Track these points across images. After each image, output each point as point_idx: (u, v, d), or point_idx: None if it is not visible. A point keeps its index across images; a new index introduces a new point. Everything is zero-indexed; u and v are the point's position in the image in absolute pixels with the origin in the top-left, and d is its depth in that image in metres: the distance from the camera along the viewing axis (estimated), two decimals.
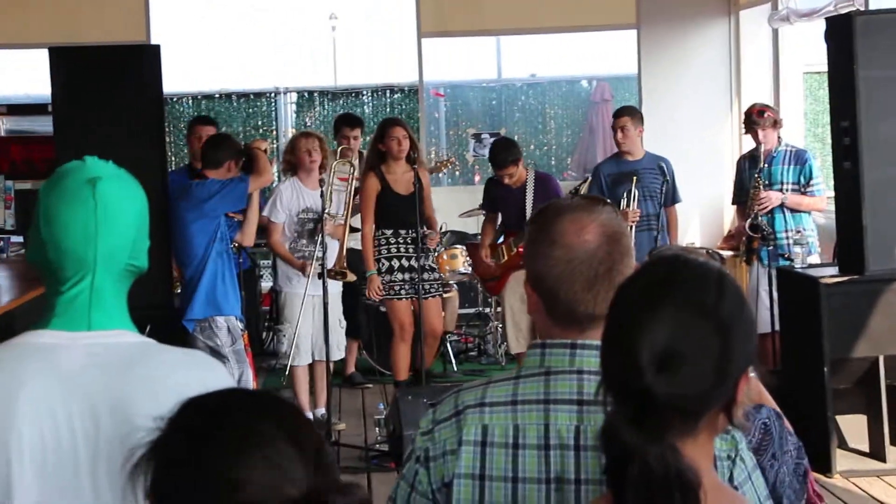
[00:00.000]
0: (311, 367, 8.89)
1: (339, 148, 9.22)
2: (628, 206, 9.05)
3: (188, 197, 7.53)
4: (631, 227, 8.97)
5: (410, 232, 8.90)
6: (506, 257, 9.12)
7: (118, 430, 2.24)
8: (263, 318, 11.23)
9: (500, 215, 9.36)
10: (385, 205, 8.91)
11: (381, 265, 8.93)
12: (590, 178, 9.34)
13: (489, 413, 2.40)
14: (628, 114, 9.40)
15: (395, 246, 8.95)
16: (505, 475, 2.36)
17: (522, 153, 9.26)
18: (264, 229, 8.72)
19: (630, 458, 1.78)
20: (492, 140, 14.87)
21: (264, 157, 7.97)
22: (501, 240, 9.33)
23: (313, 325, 8.71)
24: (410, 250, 8.92)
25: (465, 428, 2.40)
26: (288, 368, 8.84)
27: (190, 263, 7.58)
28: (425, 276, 8.92)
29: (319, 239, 8.49)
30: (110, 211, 2.35)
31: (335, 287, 8.74)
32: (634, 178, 9.13)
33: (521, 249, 8.95)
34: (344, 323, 9.00)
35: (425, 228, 8.89)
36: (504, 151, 9.10)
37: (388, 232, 8.95)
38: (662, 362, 1.83)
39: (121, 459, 2.23)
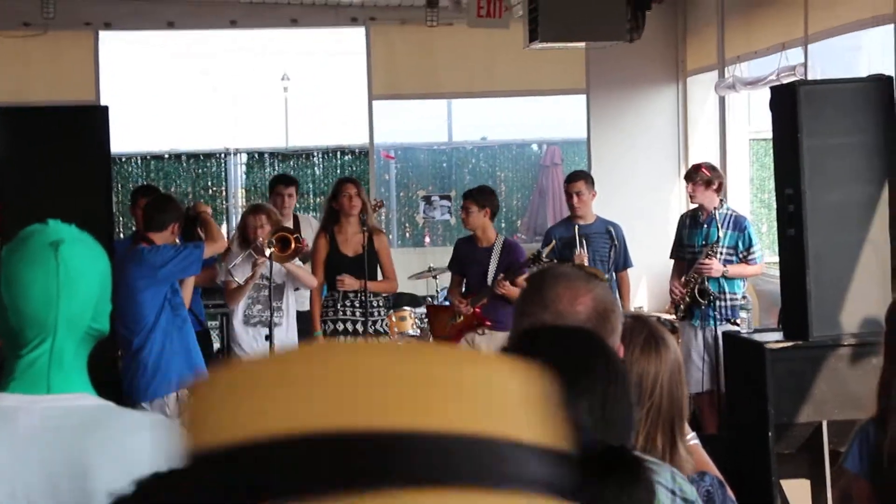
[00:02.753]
0: None
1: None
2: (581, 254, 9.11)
3: (140, 263, 7.42)
4: None
5: (358, 295, 8.92)
6: (461, 318, 9.10)
7: (77, 496, 2.22)
8: None
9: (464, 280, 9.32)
10: (333, 267, 8.93)
11: (326, 327, 8.94)
12: (542, 242, 9.37)
13: None
14: (582, 178, 9.47)
15: (343, 309, 8.95)
16: None
17: (495, 209, 9.22)
18: (222, 291, 8.66)
19: None
20: (441, 202, 14.99)
21: (215, 223, 7.96)
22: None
23: None
24: (357, 313, 8.92)
25: None
26: None
27: (139, 331, 7.46)
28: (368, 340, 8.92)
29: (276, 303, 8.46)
30: (73, 274, 2.33)
31: None
32: (577, 229, 9.19)
33: (477, 310, 8.95)
34: None
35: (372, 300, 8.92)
36: (477, 190, 9.25)
37: (337, 295, 8.96)
38: None
39: None
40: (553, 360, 1.93)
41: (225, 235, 15.20)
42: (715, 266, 8.90)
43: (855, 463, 3.96)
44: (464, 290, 9.23)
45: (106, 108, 7.91)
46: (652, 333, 3.00)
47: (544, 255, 8.82)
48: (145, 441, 2.28)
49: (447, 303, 9.87)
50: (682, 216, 9.57)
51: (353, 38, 13.80)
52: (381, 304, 9.08)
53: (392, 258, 9.21)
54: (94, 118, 7.86)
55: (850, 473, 3.99)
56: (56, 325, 2.33)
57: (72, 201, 7.42)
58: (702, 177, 9.00)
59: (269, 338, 8.31)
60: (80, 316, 2.36)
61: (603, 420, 1.89)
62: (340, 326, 8.96)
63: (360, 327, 8.93)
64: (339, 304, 8.98)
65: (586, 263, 9.01)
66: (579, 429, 1.85)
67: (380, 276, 9.09)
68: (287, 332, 8.65)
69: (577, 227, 9.29)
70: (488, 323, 8.91)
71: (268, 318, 8.48)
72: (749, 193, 11.79)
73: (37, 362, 2.33)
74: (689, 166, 10.67)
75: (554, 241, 9.14)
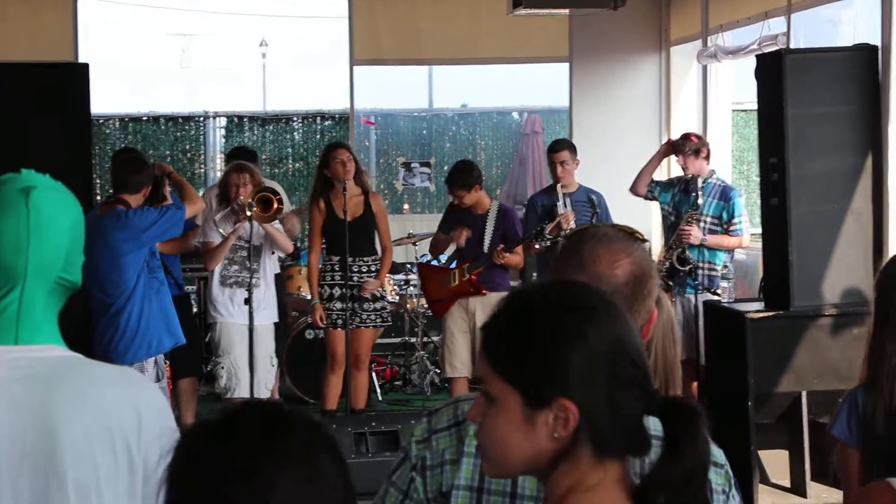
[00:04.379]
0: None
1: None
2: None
3: (124, 226, 7.31)
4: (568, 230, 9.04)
5: (356, 260, 8.89)
6: (457, 282, 9.07)
7: (42, 447, 2.18)
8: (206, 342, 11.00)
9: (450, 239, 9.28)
10: (331, 232, 8.88)
11: (322, 291, 8.92)
12: (525, 209, 9.32)
13: None
14: (567, 147, 9.43)
15: (340, 274, 8.91)
16: (503, 490, 2.34)
17: (481, 179, 9.16)
18: (197, 254, 8.59)
19: None
20: (421, 169, 14.94)
21: (188, 184, 7.91)
22: (455, 264, 9.28)
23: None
24: (355, 279, 8.90)
25: (467, 439, 2.37)
26: (229, 399, 8.65)
27: (119, 295, 7.37)
28: (366, 305, 8.94)
29: (251, 265, 8.39)
30: (43, 221, 2.30)
31: (267, 320, 8.63)
32: (561, 198, 9.16)
33: (473, 277, 8.91)
34: (275, 361, 8.82)
35: (367, 260, 8.90)
36: (460, 174, 9.04)
37: (335, 259, 8.92)
38: None
39: (43, 478, 2.18)
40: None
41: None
42: (694, 233, 8.87)
43: (843, 430, 3.95)
44: (458, 253, 9.18)
45: (86, 66, 7.83)
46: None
47: (547, 232, 8.78)
48: (116, 394, 2.25)
49: (432, 261, 9.84)
50: (677, 179, 9.43)
51: (333, 3, 13.72)
52: (371, 269, 9.04)
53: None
54: (74, 76, 7.77)
55: (838, 440, 3.98)
56: (26, 272, 2.29)
57: (51, 159, 7.33)
58: (691, 146, 8.97)
59: (248, 301, 8.24)
60: (51, 264, 2.31)
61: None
62: (337, 292, 8.94)
63: (356, 292, 8.91)
64: (336, 270, 8.94)
65: (572, 222, 8.99)
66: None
67: (376, 241, 9.11)
68: (265, 293, 8.59)
69: (561, 193, 9.26)
70: (484, 291, 8.88)
71: (244, 279, 8.42)
72: (730, 165, 11.77)
73: (5, 311, 2.29)
74: (670, 136, 10.67)
75: (559, 219, 9.05)
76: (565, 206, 9.17)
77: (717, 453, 2.46)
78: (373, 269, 8.98)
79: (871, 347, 3.90)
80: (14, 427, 2.19)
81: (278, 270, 9.20)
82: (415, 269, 11.29)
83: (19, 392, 2.21)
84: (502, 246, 8.79)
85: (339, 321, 8.90)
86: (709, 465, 1.82)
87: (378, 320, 9.10)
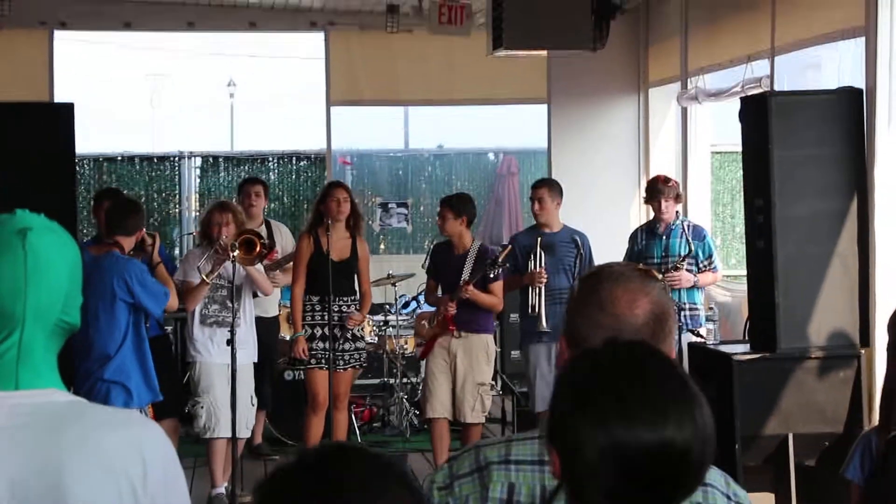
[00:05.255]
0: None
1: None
2: (536, 267, 9.08)
3: (123, 273, 7.29)
4: (539, 288, 9.04)
5: (337, 300, 8.87)
6: (435, 323, 9.07)
7: (46, 495, 2.14)
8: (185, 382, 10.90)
9: (439, 286, 9.28)
10: (315, 270, 8.86)
11: (305, 332, 8.90)
12: (507, 248, 9.32)
13: (515, 471, 2.36)
14: (546, 185, 9.47)
15: (321, 314, 8.89)
16: None
17: (472, 217, 9.16)
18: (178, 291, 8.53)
19: None
20: (398, 210, 14.93)
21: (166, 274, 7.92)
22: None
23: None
24: (335, 319, 8.87)
25: (490, 485, 2.35)
26: (210, 440, 8.58)
27: (110, 341, 7.32)
28: (346, 346, 8.92)
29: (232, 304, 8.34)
30: (41, 263, 2.24)
31: (247, 360, 8.58)
32: (539, 239, 9.18)
33: (448, 317, 8.89)
34: (255, 401, 8.75)
35: (349, 302, 8.88)
36: (457, 198, 9.19)
37: (315, 299, 8.92)
38: None
39: None
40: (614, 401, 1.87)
41: (177, 239, 15.17)
42: (685, 277, 8.92)
43: (856, 472, 3.94)
44: (440, 294, 9.21)
45: (71, 106, 7.80)
46: None
47: (500, 260, 8.81)
48: (120, 437, 2.22)
49: (425, 308, 9.83)
50: (634, 231, 9.56)
51: (303, 43, 13.78)
52: (354, 309, 9.01)
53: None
54: (59, 116, 7.74)
55: (852, 483, 3.98)
56: (24, 316, 2.24)
57: (35, 199, 7.28)
58: (673, 190, 9.02)
59: (230, 341, 8.18)
60: (50, 307, 2.27)
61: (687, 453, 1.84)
62: (318, 332, 8.92)
63: (337, 332, 8.90)
64: (316, 310, 8.92)
65: (544, 279, 9.02)
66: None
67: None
68: (246, 333, 8.53)
69: (539, 237, 9.26)
70: (452, 328, 8.88)
71: (225, 319, 8.39)
72: (710, 206, 11.81)
73: (4, 356, 2.24)
74: (650, 178, 10.69)
75: (511, 246, 9.12)
76: (538, 254, 9.15)
77: (742, 495, 2.45)
78: (344, 309, 8.97)
79: (884, 389, 3.91)
80: (17, 474, 2.15)
81: (271, 314, 9.16)
82: (393, 311, 11.32)
83: (22, 438, 2.17)
84: (464, 280, 8.81)
85: (322, 360, 8.87)
86: None
87: (358, 361, 9.08)
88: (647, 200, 9.32)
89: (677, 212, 9.19)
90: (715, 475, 2.41)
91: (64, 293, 2.29)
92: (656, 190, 9.11)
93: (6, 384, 2.24)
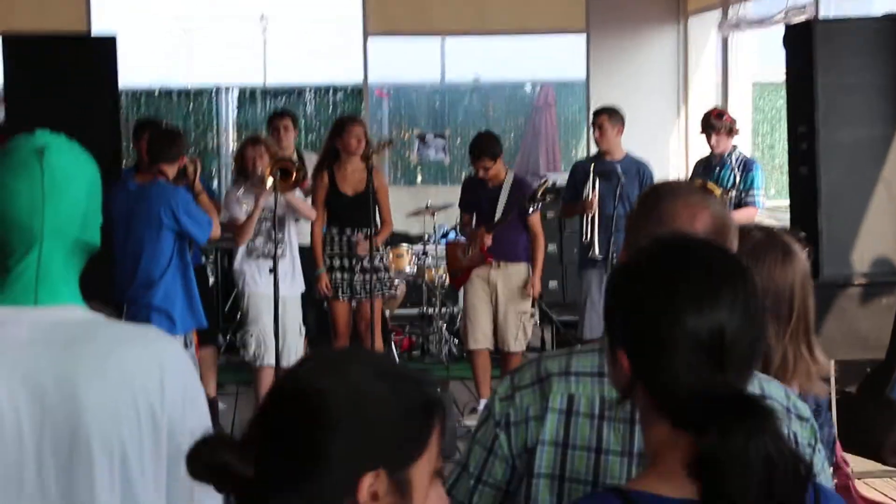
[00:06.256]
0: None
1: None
2: (589, 195, 9.07)
3: (170, 201, 7.33)
4: (590, 216, 9.03)
5: (356, 232, 8.91)
6: (470, 253, 9.07)
7: (65, 410, 2.17)
8: (224, 313, 10.98)
9: (474, 216, 9.25)
10: (332, 205, 8.91)
11: (325, 263, 8.95)
12: (544, 182, 9.29)
13: (575, 382, 2.39)
14: (606, 113, 9.33)
15: (339, 245, 8.96)
16: (589, 445, 2.36)
17: (502, 151, 9.15)
18: (226, 228, 8.60)
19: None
20: (436, 141, 14.91)
21: (209, 202, 7.95)
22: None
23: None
24: (353, 250, 8.95)
25: (550, 395, 2.39)
26: (258, 367, 8.65)
27: (154, 267, 7.38)
28: (364, 276, 8.96)
29: (276, 236, 8.39)
30: (58, 180, 2.25)
31: (295, 291, 8.65)
32: (593, 166, 9.14)
33: (483, 249, 8.90)
34: (304, 330, 8.83)
35: (361, 234, 8.92)
36: (484, 142, 9.00)
37: (334, 230, 8.97)
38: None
39: (67, 440, 2.17)
40: (692, 281, 1.90)
41: (215, 172, 15.23)
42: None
43: None
44: (474, 226, 9.17)
45: (114, 40, 7.79)
46: (784, 246, 2.99)
47: (538, 195, 8.78)
48: (138, 353, 2.24)
49: (461, 238, 9.80)
50: (696, 164, 9.45)
51: None
52: (365, 239, 9.03)
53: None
54: (101, 49, 7.75)
55: None
56: (42, 233, 2.26)
57: (78, 132, 7.32)
58: (725, 125, 8.91)
59: (273, 270, 8.25)
60: (68, 224, 2.28)
61: (731, 354, 1.86)
62: (337, 262, 8.98)
63: (355, 263, 8.96)
64: (335, 242, 8.99)
65: (594, 207, 8.99)
66: (702, 360, 1.83)
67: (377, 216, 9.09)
68: (292, 265, 8.60)
69: (595, 164, 9.21)
70: (489, 260, 8.89)
71: (270, 251, 8.43)
72: (750, 137, 11.76)
73: (24, 273, 2.26)
74: (690, 112, 10.64)
75: (546, 180, 9.08)
76: (593, 188, 9.12)
77: (802, 407, 2.46)
78: (362, 237, 9.00)
79: None
80: (36, 388, 2.17)
81: (305, 243, 9.18)
82: (433, 241, 11.32)
83: (40, 354, 2.19)
84: (483, 228, 8.81)
85: (339, 292, 8.95)
86: (781, 460, 1.78)
87: (380, 291, 9.10)
88: (702, 132, 9.23)
89: (734, 146, 9.07)
90: (773, 388, 2.43)
91: (82, 211, 2.30)
92: (708, 124, 9.02)
93: (26, 300, 2.26)
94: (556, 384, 2.39)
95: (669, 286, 1.88)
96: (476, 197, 9.11)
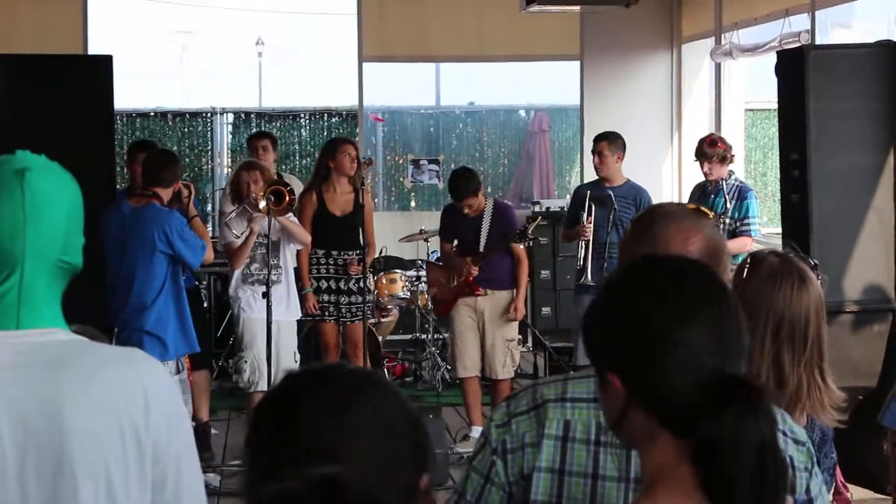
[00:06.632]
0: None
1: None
2: (584, 221, 9.07)
3: (164, 224, 7.32)
4: (584, 242, 9.04)
5: (342, 254, 8.95)
6: (455, 283, 9.07)
7: (48, 433, 2.14)
8: (216, 338, 10.95)
9: (454, 243, 9.24)
10: (319, 225, 8.93)
11: (311, 285, 9.00)
12: (537, 219, 9.30)
13: (571, 408, 2.39)
14: (606, 139, 9.33)
15: (325, 267, 8.99)
16: (585, 471, 2.37)
17: (480, 184, 9.16)
18: (221, 254, 8.60)
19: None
20: (430, 166, 14.90)
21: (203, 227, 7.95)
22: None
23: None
24: (340, 272, 8.99)
25: (546, 422, 2.39)
26: (252, 393, 8.62)
27: (147, 291, 7.36)
28: (351, 298, 9.00)
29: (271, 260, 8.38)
30: (39, 202, 2.23)
31: (290, 316, 8.65)
32: (589, 193, 9.15)
33: (469, 279, 8.90)
34: (298, 357, 8.82)
35: (352, 254, 8.94)
36: (464, 182, 8.97)
37: (321, 252, 9.01)
38: None
39: (51, 465, 2.15)
40: (671, 288, 1.91)
41: (209, 196, 15.22)
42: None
43: (893, 419, 3.97)
44: (457, 254, 9.15)
45: (110, 59, 7.79)
46: (800, 272, 3.00)
47: (529, 232, 8.79)
48: (121, 375, 2.21)
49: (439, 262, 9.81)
50: (693, 189, 9.43)
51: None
52: (358, 263, 9.07)
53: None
54: (97, 69, 7.75)
55: (889, 430, 4.01)
56: (24, 256, 2.23)
57: (73, 153, 7.31)
58: (718, 153, 8.88)
59: (265, 295, 8.24)
60: (49, 246, 2.26)
61: (720, 347, 1.87)
62: (324, 284, 9.03)
63: (342, 285, 9.01)
64: (321, 264, 9.03)
65: (589, 234, 8.99)
66: (696, 356, 1.84)
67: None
68: (287, 290, 8.60)
69: (591, 191, 9.21)
70: (478, 292, 8.89)
71: (265, 276, 8.43)
72: (743, 163, 11.78)
73: (5, 297, 2.24)
74: (684, 139, 10.64)
75: (539, 218, 9.10)
76: (589, 214, 9.12)
77: (799, 431, 2.46)
78: (346, 267, 9.06)
79: None
80: (19, 412, 2.15)
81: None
82: (424, 267, 11.31)
83: (23, 377, 2.17)
84: (469, 259, 8.83)
85: (327, 314, 9.00)
86: (771, 443, 1.80)
87: (367, 312, 9.14)
88: (696, 159, 9.22)
89: (731, 171, 9.05)
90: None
91: (63, 232, 2.28)
92: (701, 152, 9.00)
93: (8, 324, 2.23)
94: (552, 410, 2.39)
95: (652, 296, 1.90)
96: (457, 226, 9.10)
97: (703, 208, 2.61)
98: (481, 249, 8.89)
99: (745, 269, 3.05)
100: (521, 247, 8.92)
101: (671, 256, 2.09)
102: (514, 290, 8.95)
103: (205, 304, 10.72)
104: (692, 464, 1.83)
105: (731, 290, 1.96)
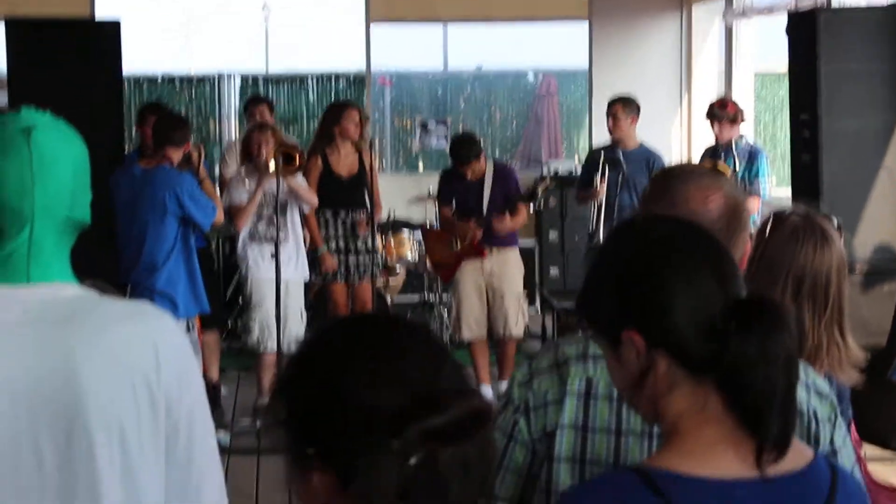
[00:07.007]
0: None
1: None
2: (597, 183, 9.09)
3: (175, 186, 7.36)
4: (597, 204, 9.05)
5: (350, 213, 8.98)
6: (459, 246, 9.06)
7: (61, 387, 2.16)
8: (226, 297, 10.97)
9: (454, 205, 9.22)
10: (326, 187, 8.94)
11: (324, 245, 9.03)
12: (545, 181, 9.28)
13: (593, 365, 2.40)
14: (620, 102, 9.32)
15: (334, 228, 9.02)
16: (608, 427, 2.38)
17: (482, 148, 9.16)
18: (229, 214, 8.61)
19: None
20: (438, 128, 14.88)
21: (211, 188, 7.97)
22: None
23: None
24: (348, 232, 9.07)
25: (568, 379, 2.40)
26: (261, 353, 8.66)
27: (158, 251, 7.40)
28: (360, 258, 9.04)
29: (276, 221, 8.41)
30: (46, 160, 2.24)
31: (298, 275, 8.68)
32: (603, 154, 9.15)
33: (475, 242, 8.91)
34: (305, 315, 8.85)
35: (361, 213, 8.96)
36: (467, 147, 8.99)
37: (329, 213, 9.02)
38: None
39: (64, 423, 2.15)
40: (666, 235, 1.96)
41: (217, 160, 15.21)
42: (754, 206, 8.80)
43: None
44: (454, 215, 9.13)
45: (118, 24, 7.77)
46: (822, 232, 3.00)
47: (539, 193, 8.80)
48: (132, 330, 2.23)
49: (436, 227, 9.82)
50: (704, 151, 9.43)
51: None
52: (366, 222, 9.15)
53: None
54: (106, 34, 7.74)
55: None
56: (33, 213, 2.25)
57: (81, 117, 7.32)
58: (727, 115, 8.87)
59: (274, 255, 8.27)
60: (57, 203, 2.27)
61: (727, 278, 1.91)
62: (333, 245, 9.07)
63: (350, 244, 9.06)
64: (329, 225, 9.08)
65: (602, 195, 9.00)
66: (710, 287, 1.87)
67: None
68: (296, 249, 8.62)
69: (605, 153, 9.21)
70: (485, 254, 8.90)
71: (272, 235, 8.45)
72: (752, 126, 11.75)
73: (15, 253, 2.25)
74: (693, 101, 10.61)
75: (547, 180, 9.09)
76: (602, 176, 9.12)
77: (821, 384, 2.47)
78: (355, 226, 9.12)
79: None
80: (30, 369, 2.17)
81: None
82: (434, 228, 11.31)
83: (35, 333, 2.19)
84: (473, 222, 8.83)
85: (337, 274, 9.06)
86: (794, 357, 1.85)
87: (375, 270, 9.22)
88: (707, 118, 9.22)
89: (741, 135, 9.05)
90: None
91: (70, 189, 2.29)
92: (711, 113, 9.01)
93: (18, 278, 2.25)
94: (573, 368, 2.40)
95: (653, 244, 1.95)
96: (457, 190, 9.07)
97: (720, 165, 2.62)
98: (484, 212, 8.88)
99: (768, 227, 3.06)
100: (522, 207, 8.93)
101: (652, 215, 2.11)
102: (517, 245, 9.04)
103: (215, 266, 10.73)
104: (718, 393, 1.86)
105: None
